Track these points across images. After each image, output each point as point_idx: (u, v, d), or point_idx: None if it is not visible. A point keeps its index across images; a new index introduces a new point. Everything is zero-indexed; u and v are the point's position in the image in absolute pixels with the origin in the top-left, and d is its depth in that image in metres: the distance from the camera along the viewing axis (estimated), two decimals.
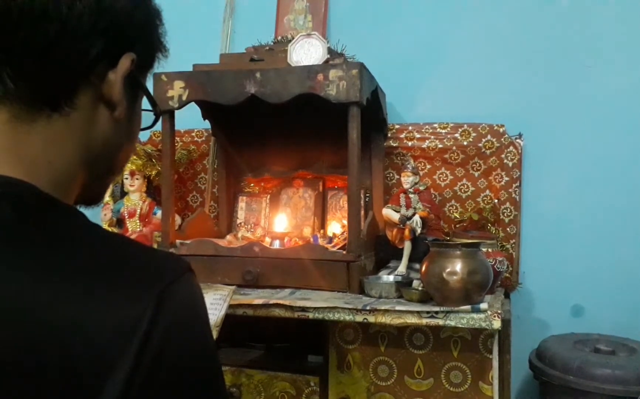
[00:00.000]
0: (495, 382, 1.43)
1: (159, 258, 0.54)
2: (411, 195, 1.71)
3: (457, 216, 1.95)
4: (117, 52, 0.57)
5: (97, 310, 0.46)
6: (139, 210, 1.99)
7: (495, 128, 1.95)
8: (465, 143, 1.96)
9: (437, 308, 1.39)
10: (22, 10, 0.50)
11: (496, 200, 1.94)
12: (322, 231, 1.95)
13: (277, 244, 1.78)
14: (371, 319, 1.41)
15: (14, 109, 0.53)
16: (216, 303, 1.36)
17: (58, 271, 0.47)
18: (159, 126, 1.73)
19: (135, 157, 1.98)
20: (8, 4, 0.50)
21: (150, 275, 0.50)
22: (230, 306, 1.39)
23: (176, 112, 1.72)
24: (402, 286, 1.54)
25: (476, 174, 1.97)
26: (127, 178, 2.00)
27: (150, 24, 0.61)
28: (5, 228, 0.48)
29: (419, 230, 1.66)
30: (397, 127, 2.02)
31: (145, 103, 0.65)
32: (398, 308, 1.40)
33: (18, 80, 0.52)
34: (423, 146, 2.00)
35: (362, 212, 1.82)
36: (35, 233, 0.49)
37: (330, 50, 1.67)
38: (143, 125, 0.66)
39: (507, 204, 1.93)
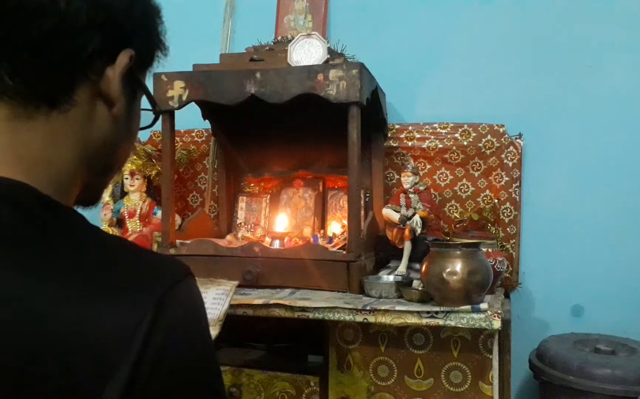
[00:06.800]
0: (495, 382, 1.43)
1: (159, 261, 0.54)
2: (411, 195, 1.71)
3: (457, 216, 1.95)
4: (115, 47, 0.56)
5: (96, 313, 0.46)
6: (139, 210, 1.99)
7: (495, 128, 1.95)
8: (465, 143, 1.96)
9: (437, 308, 1.39)
10: (19, 4, 0.50)
11: (496, 200, 1.94)
12: (322, 231, 1.95)
13: (277, 244, 1.78)
14: (371, 319, 1.41)
15: (12, 106, 0.52)
16: (219, 298, 1.35)
17: (57, 274, 0.47)
18: (159, 126, 1.73)
19: (135, 157, 1.98)
20: None
21: (150, 279, 0.50)
22: (231, 306, 1.38)
23: (176, 112, 1.72)
24: (402, 286, 1.54)
25: (476, 174, 1.97)
26: (127, 178, 2.00)
27: (149, 20, 0.61)
28: (4, 231, 0.48)
29: (419, 230, 1.66)
30: (397, 127, 2.02)
31: (144, 102, 0.64)
32: (398, 308, 1.40)
33: (15, 76, 0.51)
34: (423, 146, 2.00)
35: (362, 212, 1.82)
36: (35, 236, 0.49)
37: (330, 50, 1.67)
38: (142, 124, 0.66)
39: (507, 204, 1.94)
